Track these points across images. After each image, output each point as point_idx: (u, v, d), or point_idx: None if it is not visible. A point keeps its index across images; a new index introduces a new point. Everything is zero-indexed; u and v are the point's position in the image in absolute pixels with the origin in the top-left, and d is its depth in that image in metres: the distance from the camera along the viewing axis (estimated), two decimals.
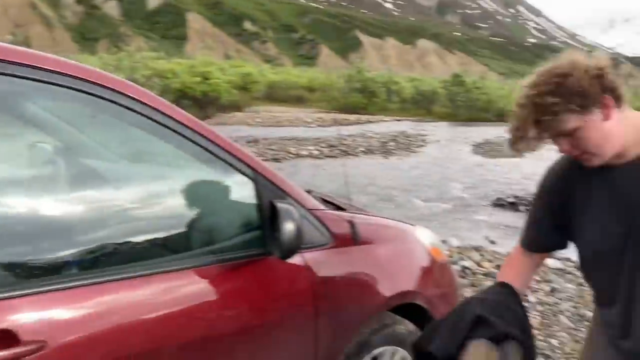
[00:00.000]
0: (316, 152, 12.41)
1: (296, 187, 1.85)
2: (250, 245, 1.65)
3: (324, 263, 1.81)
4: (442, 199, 8.62)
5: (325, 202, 2.26)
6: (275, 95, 30.92)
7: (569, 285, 4.42)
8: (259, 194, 1.66)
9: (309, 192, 2.16)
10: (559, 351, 3.32)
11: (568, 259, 5.06)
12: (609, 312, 1.36)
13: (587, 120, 1.14)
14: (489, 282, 4.47)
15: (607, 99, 1.14)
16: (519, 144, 1.21)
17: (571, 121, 1.13)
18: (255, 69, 34.30)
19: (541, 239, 1.46)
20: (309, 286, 1.73)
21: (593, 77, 1.13)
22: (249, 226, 1.69)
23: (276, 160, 11.20)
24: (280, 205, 1.55)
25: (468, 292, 4.25)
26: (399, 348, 2.13)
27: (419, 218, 7.31)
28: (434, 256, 2.38)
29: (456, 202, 8.44)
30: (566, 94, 1.11)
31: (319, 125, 19.62)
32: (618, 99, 1.16)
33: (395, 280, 2.09)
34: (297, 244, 1.53)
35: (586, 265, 1.39)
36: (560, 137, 1.17)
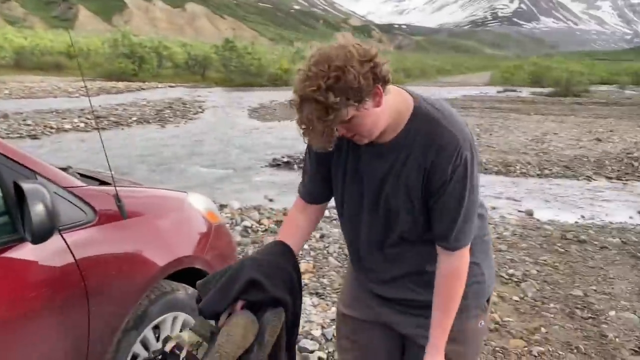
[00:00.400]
0: (82, 125, 11.32)
1: (47, 164, 1.70)
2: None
3: (89, 242, 1.73)
4: (223, 164, 8.75)
5: (87, 178, 2.13)
6: (27, 62, 26.96)
7: (335, 230, 4.97)
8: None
9: (65, 169, 2.01)
10: (329, 288, 3.75)
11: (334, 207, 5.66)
12: (352, 250, 1.62)
13: (362, 110, 1.21)
14: (269, 238, 4.77)
15: (378, 89, 1.21)
16: (311, 138, 1.24)
17: (349, 113, 1.19)
18: None
19: (314, 191, 1.59)
20: (74, 267, 1.64)
21: (367, 70, 1.18)
22: None
23: (34, 137, 9.91)
24: (26, 185, 1.42)
25: (250, 249, 4.49)
26: (181, 313, 2.17)
27: (200, 185, 7.32)
28: (209, 220, 2.46)
29: (236, 166, 8.65)
30: (345, 89, 1.16)
31: (82, 95, 17.84)
32: (386, 85, 1.24)
33: (170, 248, 2.10)
34: (51, 226, 1.43)
35: (339, 215, 1.60)
36: (336, 130, 1.23)
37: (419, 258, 1.48)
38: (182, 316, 2.18)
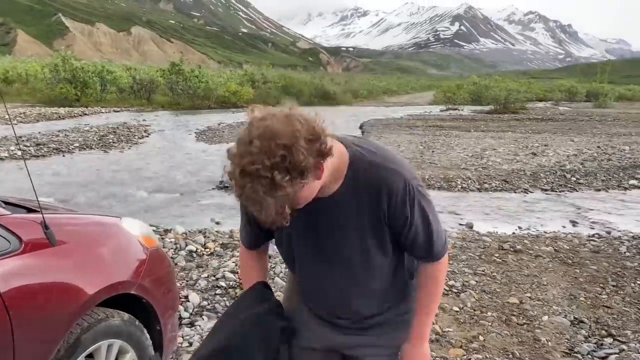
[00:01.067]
0: (19, 153, 10.88)
1: None
2: None
3: (13, 271, 1.69)
4: (168, 189, 8.62)
5: (14, 206, 2.09)
6: None
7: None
8: None
9: None
10: None
11: None
12: (307, 295, 1.64)
13: (305, 185, 1.18)
14: (214, 261, 4.73)
15: (322, 165, 1.19)
16: (261, 216, 1.17)
17: (294, 190, 1.15)
18: None
19: (253, 238, 1.61)
20: None
21: (314, 149, 1.15)
22: None
23: None
24: None
25: (195, 273, 4.44)
26: (116, 339, 2.14)
27: (145, 210, 7.19)
28: (145, 244, 2.44)
29: (182, 190, 8.54)
30: (292, 169, 1.11)
31: (21, 122, 17.16)
32: (331, 157, 1.21)
33: (102, 274, 2.08)
34: None
35: (290, 268, 1.67)
36: (285, 205, 1.19)
37: (386, 299, 1.56)
38: (117, 343, 2.14)
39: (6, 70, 32.46)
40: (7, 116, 17.93)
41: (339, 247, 1.43)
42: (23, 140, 12.23)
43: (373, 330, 1.58)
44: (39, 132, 14.05)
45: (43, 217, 1.89)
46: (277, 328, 1.53)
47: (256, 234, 1.57)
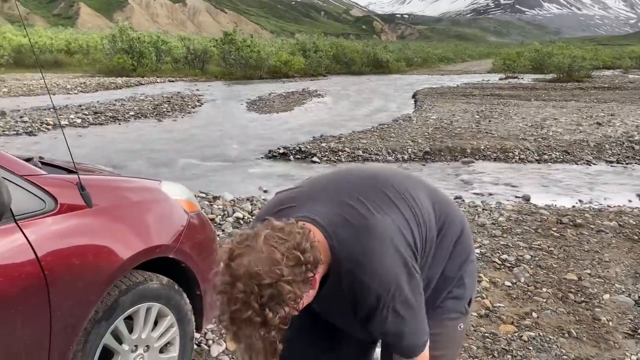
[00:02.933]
0: (79, 121, 11.27)
1: (1, 153, 1.65)
2: None
3: (48, 231, 1.68)
4: (218, 157, 8.70)
5: (50, 166, 2.08)
6: (26, 60, 26.88)
7: None
8: None
9: (29, 159, 1.96)
10: None
11: None
12: None
13: (299, 305, 1.14)
14: None
15: (314, 277, 1.14)
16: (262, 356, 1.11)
17: (288, 315, 1.10)
18: None
19: None
20: (32, 257, 1.59)
21: (300, 273, 1.09)
22: None
23: (30, 133, 9.87)
24: None
25: None
26: (155, 303, 2.13)
27: (195, 177, 7.29)
28: (185, 209, 2.40)
29: (231, 158, 8.61)
30: (282, 304, 1.07)
31: (81, 91, 17.78)
32: (320, 266, 1.17)
33: (139, 237, 2.05)
34: None
35: None
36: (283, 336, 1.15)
37: None
38: (156, 306, 2.13)
39: (68, 42, 33.71)
40: (68, 86, 18.64)
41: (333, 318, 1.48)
42: (82, 109, 12.66)
43: None
44: (97, 101, 14.51)
45: (79, 178, 1.87)
46: None
47: None
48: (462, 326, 1.56)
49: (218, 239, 4.37)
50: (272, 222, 1.14)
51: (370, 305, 1.26)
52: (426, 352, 1.39)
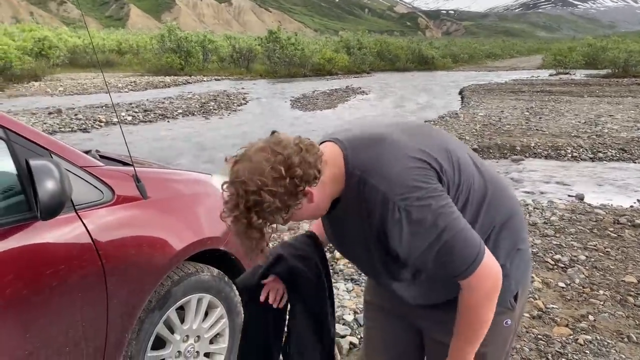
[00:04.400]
0: (129, 118, 11.63)
1: (63, 144, 1.71)
2: (13, 210, 1.50)
3: (106, 221, 1.72)
4: None
5: (109, 159, 2.14)
6: (80, 60, 27.97)
7: None
8: (13, 154, 1.50)
9: (87, 152, 2.02)
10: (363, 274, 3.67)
11: None
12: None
13: (295, 212, 1.20)
14: (306, 224, 4.73)
15: (308, 190, 1.18)
16: (248, 250, 1.22)
17: (277, 222, 1.19)
18: (51, 33, 30.50)
19: None
20: (91, 246, 1.64)
21: (285, 186, 1.14)
22: (11, 190, 1.53)
23: (84, 130, 10.26)
24: (35, 162, 1.42)
25: (287, 235, 4.46)
26: (206, 294, 2.16)
27: None
28: None
29: None
30: (266, 212, 1.15)
31: (131, 90, 18.34)
32: (314, 182, 1.18)
33: (192, 229, 2.08)
34: (59, 202, 1.42)
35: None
36: (268, 235, 1.23)
37: (433, 294, 1.41)
38: (207, 298, 2.16)
39: (119, 42, 34.85)
40: (119, 84, 19.27)
41: (356, 253, 1.41)
42: (133, 107, 13.05)
43: (445, 307, 1.39)
44: (147, 99, 14.92)
45: (135, 171, 1.91)
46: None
47: None
48: (508, 322, 1.43)
49: None
50: (276, 134, 1.22)
51: (382, 212, 1.19)
52: (488, 264, 1.22)
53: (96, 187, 1.74)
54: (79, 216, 1.64)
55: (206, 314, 2.21)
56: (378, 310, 1.62)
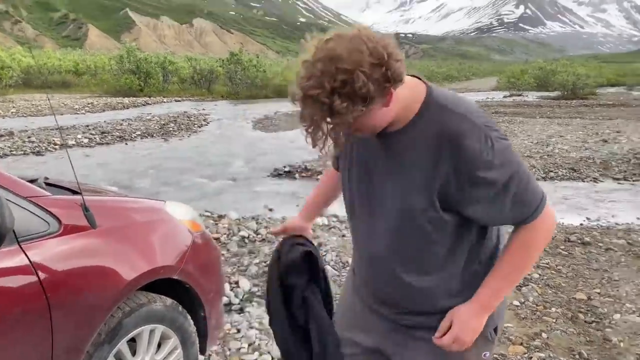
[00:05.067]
0: (86, 141, 11.35)
1: (4, 174, 1.66)
2: None
3: (52, 252, 1.67)
4: (224, 175, 8.71)
5: (55, 187, 2.08)
6: (35, 81, 27.21)
7: (333, 238, 4.89)
8: None
9: (33, 180, 1.97)
10: None
11: (334, 215, 5.59)
12: (354, 258, 1.53)
13: (369, 110, 1.13)
14: (265, 247, 4.70)
15: (389, 90, 1.13)
16: (318, 141, 1.15)
17: (355, 116, 1.11)
18: (4, 53, 29.62)
19: (334, 159, 1.64)
20: (34, 279, 1.59)
21: (379, 75, 1.09)
22: None
23: (38, 153, 9.93)
24: None
25: (246, 259, 4.42)
26: (159, 325, 2.11)
27: (201, 196, 7.29)
28: (190, 229, 2.40)
29: (237, 177, 8.61)
30: (352, 94, 1.07)
31: (89, 112, 17.95)
32: (398, 85, 1.15)
33: (143, 258, 2.04)
34: None
35: (349, 217, 1.49)
36: (341, 133, 1.16)
37: (440, 290, 1.34)
38: (160, 328, 2.11)
39: (77, 63, 34.15)
40: (76, 106, 18.82)
41: (390, 194, 1.29)
42: (89, 129, 12.77)
43: (421, 333, 1.37)
44: (105, 121, 14.62)
45: (83, 199, 1.87)
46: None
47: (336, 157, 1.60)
48: (487, 355, 1.40)
49: (223, 258, 4.35)
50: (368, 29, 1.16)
51: (471, 139, 1.17)
52: (544, 222, 1.26)
53: (41, 218, 1.69)
54: (21, 248, 1.59)
55: (159, 345, 2.15)
56: (353, 347, 1.54)
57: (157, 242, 2.15)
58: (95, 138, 11.70)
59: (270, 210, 6.45)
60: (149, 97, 24.93)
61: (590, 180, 8.13)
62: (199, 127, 14.87)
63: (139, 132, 12.86)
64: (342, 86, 1.06)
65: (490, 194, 1.19)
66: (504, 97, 30.26)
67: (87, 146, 10.98)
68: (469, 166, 1.17)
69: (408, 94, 1.22)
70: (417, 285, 1.34)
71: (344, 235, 4.98)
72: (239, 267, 4.26)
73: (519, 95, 31.29)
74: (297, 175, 8.51)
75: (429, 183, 1.22)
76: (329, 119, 1.11)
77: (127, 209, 2.16)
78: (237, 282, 3.90)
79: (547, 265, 4.30)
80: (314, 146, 1.16)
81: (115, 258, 1.91)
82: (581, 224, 5.77)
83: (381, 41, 1.11)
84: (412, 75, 1.27)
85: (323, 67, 1.07)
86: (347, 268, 4.14)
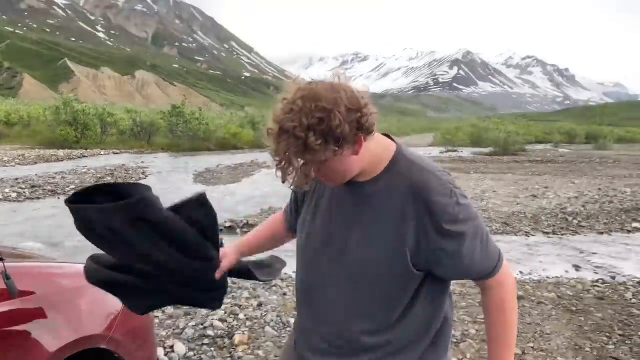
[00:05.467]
0: (14, 195, 10.78)
1: None
2: None
3: None
4: None
5: None
6: None
7: (274, 297, 4.81)
8: None
9: None
10: None
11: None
12: (301, 310, 1.49)
13: (339, 156, 1.17)
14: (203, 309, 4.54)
15: (360, 139, 1.18)
16: (288, 177, 1.18)
17: (327, 156, 1.16)
18: None
19: (290, 217, 1.61)
20: None
21: (353, 119, 1.15)
22: None
23: None
24: None
25: (182, 321, 4.25)
26: None
27: None
28: None
29: None
30: (327, 133, 1.12)
31: (19, 164, 17.17)
32: (369, 136, 1.21)
33: (68, 327, 1.93)
34: None
35: (301, 256, 1.47)
36: (311, 171, 1.19)
37: (391, 332, 1.33)
38: None
39: (8, 113, 32.86)
40: (5, 158, 17.96)
41: (356, 243, 1.30)
42: (19, 182, 12.16)
43: None
44: (36, 174, 14.01)
45: (4, 266, 1.76)
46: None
47: (294, 211, 1.58)
48: None
49: (157, 321, 4.17)
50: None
51: (439, 194, 1.22)
52: (506, 279, 1.33)
53: None
54: None
55: None
56: None
57: (84, 309, 2.04)
58: (24, 192, 11.14)
59: None
60: (86, 149, 24.21)
61: (523, 235, 8.49)
62: (137, 180, 14.50)
63: (73, 186, 12.36)
64: (318, 123, 1.11)
65: (457, 247, 1.24)
66: (441, 152, 31.57)
67: (15, 201, 10.43)
68: (437, 219, 1.21)
69: (379, 147, 1.28)
70: (365, 339, 1.34)
71: (285, 294, 4.91)
72: (174, 329, 4.08)
73: (455, 151, 32.74)
74: (238, 231, 8.40)
75: (396, 234, 1.24)
76: (302, 156, 1.14)
77: (52, 274, 2.05)
78: (172, 347, 3.72)
79: (483, 321, 4.39)
80: (283, 181, 1.20)
81: (37, 328, 1.79)
82: (515, 278, 5.96)
83: (358, 92, 1.19)
84: (384, 134, 1.35)
85: (302, 104, 1.12)
86: (289, 329, 4.06)
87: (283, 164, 1.16)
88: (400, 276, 1.27)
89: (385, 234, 1.25)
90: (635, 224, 9.32)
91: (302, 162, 1.16)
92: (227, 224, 8.76)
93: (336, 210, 1.35)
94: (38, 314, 1.85)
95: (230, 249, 1.68)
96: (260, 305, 4.62)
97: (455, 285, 5.38)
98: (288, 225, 1.65)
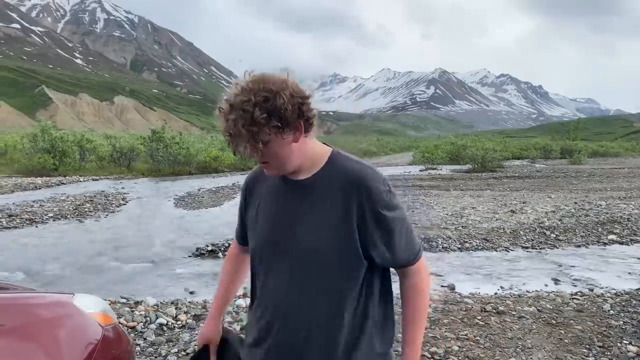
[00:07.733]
0: None
1: None
2: None
3: None
4: (143, 257, 8.37)
5: None
6: None
7: None
8: None
9: None
10: None
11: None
12: (255, 312, 1.54)
13: (280, 138, 1.30)
14: (185, 334, 4.51)
15: (300, 125, 1.32)
16: (239, 147, 1.31)
17: (270, 133, 1.29)
18: None
19: (242, 232, 1.65)
20: None
21: (296, 104, 1.29)
22: None
23: None
24: None
25: (164, 348, 4.20)
26: None
27: (117, 281, 6.93)
28: (100, 323, 2.28)
29: (157, 258, 8.30)
30: (271, 110, 1.26)
31: None
32: (308, 127, 1.35)
33: (48, 358, 1.91)
34: None
35: (252, 261, 1.55)
36: (257, 144, 1.30)
37: (332, 311, 1.40)
38: None
39: None
40: None
41: (303, 237, 1.39)
42: None
43: None
44: (13, 203, 13.77)
45: None
46: None
47: (242, 226, 1.64)
48: None
49: (139, 349, 4.11)
50: None
51: (374, 183, 1.37)
52: (423, 267, 1.50)
53: None
54: None
55: None
56: None
57: (62, 340, 2.02)
58: (1, 222, 10.94)
59: (192, 293, 6.24)
60: (64, 176, 23.88)
61: (502, 250, 8.60)
62: (117, 206, 14.36)
63: (51, 214, 12.19)
64: (264, 101, 1.26)
65: (389, 232, 1.38)
66: (420, 170, 31.87)
67: None
68: (374, 204, 1.36)
69: (317, 147, 1.43)
70: (315, 331, 1.40)
71: None
72: (156, 357, 4.03)
73: (434, 168, 33.09)
74: (220, 254, 8.35)
75: (342, 220, 1.36)
76: (248, 127, 1.27)
77: (29, 305, 2.04)
78: None
79: (466, 337, 4.43)
80: (234, 152, 1.35)
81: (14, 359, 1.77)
82: (496, 293, 6.04)
83: (303, 87, 1.34)
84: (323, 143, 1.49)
85: (252, 85, 1.28)
86: None
87: (233, 136, 1.29)
88: (349, 264, 1.38)
89: (332, 222, 1.37)
90: (611, 236, 9.52)
91: (249, 132, 1.27)
92: (209, 248, 8.71)
93: (277, 208, 1.46)
94: (14, 345, 1.83)
95: (212, 324, 1.78)
96: (242, 329, 4.59)
97: (437, 303, 5.43)
98: (241, 242, 1.70)
